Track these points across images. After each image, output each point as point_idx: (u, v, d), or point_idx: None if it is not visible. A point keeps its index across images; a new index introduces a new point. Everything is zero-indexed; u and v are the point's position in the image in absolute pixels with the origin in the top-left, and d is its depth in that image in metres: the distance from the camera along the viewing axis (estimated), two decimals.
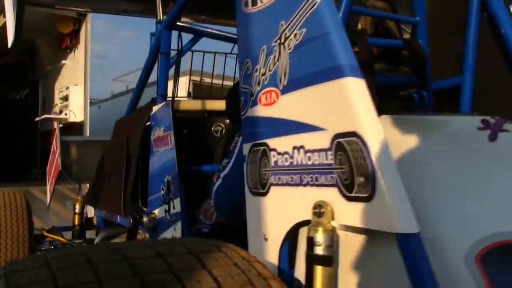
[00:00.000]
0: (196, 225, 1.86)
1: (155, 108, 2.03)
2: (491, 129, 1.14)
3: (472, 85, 1.48)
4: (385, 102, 1.34)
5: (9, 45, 4.05)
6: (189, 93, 3.10)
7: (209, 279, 0.88)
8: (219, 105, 2.11)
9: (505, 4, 1.48)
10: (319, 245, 1.01)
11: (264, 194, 1.25)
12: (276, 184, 1.20)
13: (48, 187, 3.53)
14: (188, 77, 3.26)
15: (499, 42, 1.46)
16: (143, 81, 2.25)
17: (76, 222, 3.20)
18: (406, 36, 1.64)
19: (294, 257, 1.18)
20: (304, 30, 1.08)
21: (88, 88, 8.04)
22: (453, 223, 1.02)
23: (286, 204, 1.17)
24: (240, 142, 1.49)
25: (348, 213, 0.99)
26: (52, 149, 3.37)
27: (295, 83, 1.12)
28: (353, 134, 0.96)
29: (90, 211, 3.29)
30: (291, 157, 1.14)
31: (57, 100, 9.01)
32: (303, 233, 1.14)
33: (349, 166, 0.98)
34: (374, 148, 0.93)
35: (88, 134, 7.79)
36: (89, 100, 8.36)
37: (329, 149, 1.03)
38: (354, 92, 0.97)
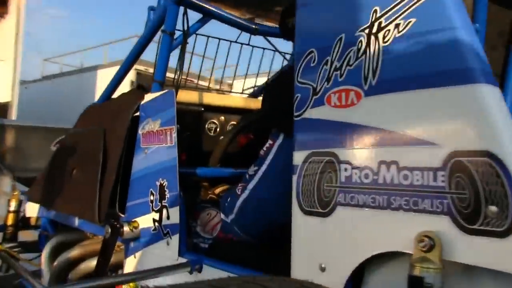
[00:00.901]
0: (191, 239, 1.59)
1: (148, 97, 1.73)
2: None
3: None
4: None
5: None
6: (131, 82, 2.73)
7: None
8: (217, 99, 1.85)
9: None
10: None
11: (325, 214, 1.03)
12: (347, 204, 0.99)
13: None
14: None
15: None
16: (130, 63, 1.92)
17: (10, 222, 2.71)
18: None
19: None
20: (412, 20, 0.88)
21: (19, 65, 7.19)
22: None
23: (361, 229, 0.96)
24: (276, 147, 1.26)
25: (467, 249, 0.80)
26: None
27: (391, 84, 0.91)
28: (486, 154, 0.78)
29: (30, 210, 2.84)
30: (375, 173, 0.93)
31: None
32: (386, 267, 0.94)
33: (473, 192, 0.79)
34: None
35: (14, 117, 7.01)
36: (19, 79, 7.52)
37: (441, 168, 0.83)
38: (489, 103, 0.79)
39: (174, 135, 1.54)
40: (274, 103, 1.28)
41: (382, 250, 0.93)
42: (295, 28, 1.12)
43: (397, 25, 0.90)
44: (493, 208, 0.77)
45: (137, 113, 1.73)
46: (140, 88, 1.80)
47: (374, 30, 0.94)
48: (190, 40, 1.80)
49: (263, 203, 1.26)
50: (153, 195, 1.64)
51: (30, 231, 2.84)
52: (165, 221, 1.58)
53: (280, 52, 2.22)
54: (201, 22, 1.92)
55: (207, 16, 1.88)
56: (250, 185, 1.28)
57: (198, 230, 1.61)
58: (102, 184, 1.77)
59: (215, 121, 1.87)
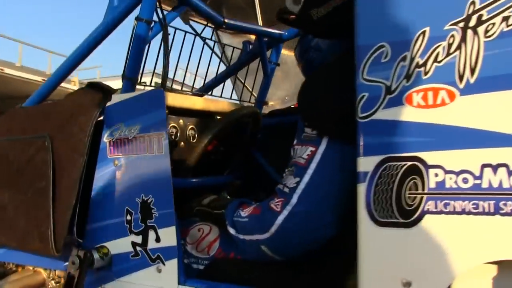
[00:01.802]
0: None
1: (117, 97, 1.42)
2: None
3: None
4: None
5: None
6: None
7: None
8: (179, 100, 1.61)
9: None
10: None
11: (409, 225, 0.94)
12: (438, 212, 0.91)
13: None
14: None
15: None
16: (80, 56, 1.55)
17: None
18: None
19: None
20: None
21: None
22: None
23: (460, 238, 0.89)
24: (321, 154, 1.11)
25: None
26: None
27: (495, 82, 0.86)
28: None
29: None
30: (478, 177, 0.87)
31: None
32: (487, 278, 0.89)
33: None
34: None
35: None
36: None
37: None
38: None
39: (165, 142, 1.29)
40: (315, 103, 1.13)
41: (490, 260, 0.87)
42: (356, 18, 1.00)
43: (505, 18, 0.85)
44: None
45: (100, 118, 1.42)
46: (96, 87, 1.48)
47: (473, 23, 0.88)
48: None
49: (309, 218, 1.11)
50: (131, 214, 1.37)
51: None
52: (152, 244, 1.32)
53: (202, 38, 2.04)
54: (177, 11, 1.66)
55: (183, 4, 1.63)
56: (293, 200, 1.11)
57: (189, 249, 1.39)
58: (56, 205, 1.43)
59: (175, 125, 1.64)
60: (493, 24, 0.86)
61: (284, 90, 2.63)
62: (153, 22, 1.42)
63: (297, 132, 1.22)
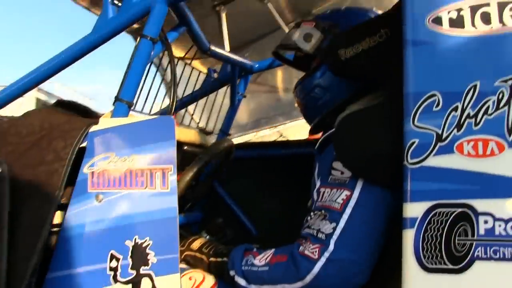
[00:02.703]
0: None
1: (107, 122, 1.21)
2: None
3: None
4: None
5: None
6: None
7: None
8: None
9: None
10: None
11: (458, 271, 0.96)
12: (488, 259, 0.94)
13: None
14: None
15: None
16: (51, 71, 1.29)
17: None
18: None
19: None
20: None
21: None
22: None
23: (509, 283, 0.93)
24: (356, 198, 1.09)
25: None
26: None
27: None
28: None
29: None
30: None
31: None
32: None
33: None
34: None
35: None
36: None
37: None
38: None
39: (173, 177, 1.16)
40: (357, 146, 1.12)
41: None
42: (406, 65, 1.03)
43: None
44: None
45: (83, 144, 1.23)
46: (72, 106, 1.28)
47: None
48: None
49: (346, 265, 1.07)
50: (117, 260, 1.18)
51: None
52: None
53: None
54: (177, 31, 1.52)
55: (183, 24, 1.50)
56: (331, 246, 1.07)
57: None
58: (12, 253, 1.17)
59: None
60: None
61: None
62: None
63: (318, 174, 1.20)
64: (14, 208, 1.21)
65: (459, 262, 0.96)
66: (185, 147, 1.70)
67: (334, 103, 1.33)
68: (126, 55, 1.30)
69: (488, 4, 0.99)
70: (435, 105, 1.00)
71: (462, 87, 0.99)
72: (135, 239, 1.18)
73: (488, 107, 0.97)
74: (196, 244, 1.34)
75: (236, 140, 2.63)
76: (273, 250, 1.19)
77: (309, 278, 1.07)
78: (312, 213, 1.16)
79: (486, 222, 0.95)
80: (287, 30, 2.44)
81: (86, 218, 1.22)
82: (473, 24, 0.99)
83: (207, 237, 1.53)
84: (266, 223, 2.00)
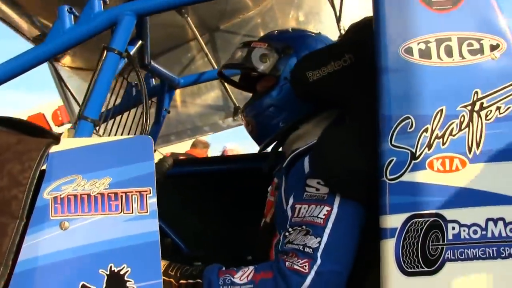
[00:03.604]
0: None
1: (70, 143, 1.06)
2: None
3: None
4: None
5: None
6: None
7: None
8: None
9: None
10: None
11: (432, 272, 1.09)
12: (456, 260, 1.10)
13: None
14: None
15: None
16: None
17: None
18: None
19: None
20: (511, 106, 1.13)
21: None
22: None
23: (474, 280, 1.10)
24: (336, 213, 1.15)
25: None
26: None
27: (494, 155, 1.12)
28: None
29: None
30: (483, 229, 1.10)
31: None
32: None
33: None
34: None
35: None
36: None
37: None
38: None
39: (152, 200, 1.10)
40: (336, 164, 1.18)
41: None
42: (381, 90, 1.13)
43: (498, 108, 1.12)
44: None
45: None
46: (22, 125, 1.12)
47: (476, 108, 1.12)
48: None
49: (332, 276, 1.13)
50: None
51: None
52: None
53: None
54: (133, 45, 1.38)
55: (140, 38, 1.38)
56: (318, 260, 1.12)
57: None
58: None
59: None
60: (490, 110, 1.13)
61: None
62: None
63: (289, 192, 1.25)
64: None
65: (432, 265, 1.09)
66: None
67: (288, 122, 1.39)
68: None
69: (450, 39, 1.14)
70: (409, 127, 1.12)
71: (431, 111, 1.12)
72: (110, 267, 1.10)
73: (453, 128, 1.12)
74: (169, 268, 1.29)
75: None
76: (251, 267, 1.21)
77: None
78: (290, 229, 1.20)
79: (453, 228, 1.10)
80: (198, 44, 2.44)
81: (48, 249, 1.10)
82: (438, 56, 1.14)
83: None
84: (196, 239, 1.99)
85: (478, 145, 1.12)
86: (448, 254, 1.10)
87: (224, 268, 1.25)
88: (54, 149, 1.12)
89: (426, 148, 1.12)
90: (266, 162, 1.53)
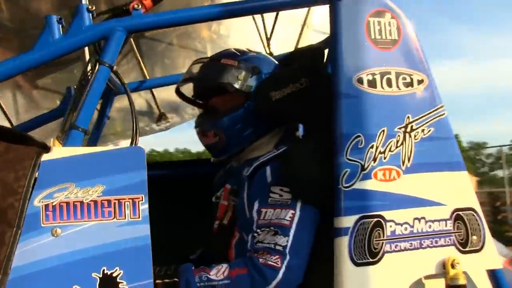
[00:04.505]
0: None
1: (61, 152, 1.04)
2: None
3: None
4: None
5: None
6: None
7: None
8: None
9: None
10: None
11: (375, 262, 1.35)
12: (392, 251, 1.37)
13: None
14: None
15: None
16: None
17: None
18: None
19: None
20: (432, 129, 1.43)
21: None
22: None
23: (404, 266, 1.38)
24: (298, 216, 1.34)
25: (463, 262, 1.44)
26: None
27: (419, 167, 1.41)
28: (471, 209, 1.46)
29: None
30: (411, 226, 1.39)
31: None
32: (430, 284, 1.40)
33: (465, 230, 1.45)
34: (482, 218, 1.47)
35: None
36: None
37: (449, 219, 1.43)
38: (469, 181, 1.48)
39: (144, 206, 1.18)
40: (302, 174, 1.36)
41: (421, 276, 1.39)
42: (339, 112, 1.35)
43: (423, 130, 1.42)
44: (475, 237, 1.45)
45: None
46: (10, 134, 1.10)
47: (408, 129, 1.40)
48: None
49: (299, 269, 1.32)
50: None
51: None
52: None
53: None
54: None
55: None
56: (287, 256, 1.31)
57: None
58: None
59: None
60: (417, 132, 1.42)
61: None
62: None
63: (253, 197, 1.42)
64: None
65: (376, 256, 1.35)
66: None
67: (253, 137, 1.55)
68: None
69: (390, 73, 1.41)
70: (359, 143, 1.36)
71: (376, 130, 1.38)
72: (103, 270, 1.15)
73: (391, 145, 1.39)
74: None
75: None
76: (225, 265, 1.35)
77: (274, 283, 1.29)
78: (258, 230, 1.37)
79: (391, 226, 1.37)
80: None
81: (40, 255, 1.12)
82: (381, 86, 1.40)
83: None
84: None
85: (409, 160, 1.41)
86: (386, 247, 1.36)
87: (193, 267, 1.37)
88: (45, 157, 1.14)
89: (372, 161, 1.37)
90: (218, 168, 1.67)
